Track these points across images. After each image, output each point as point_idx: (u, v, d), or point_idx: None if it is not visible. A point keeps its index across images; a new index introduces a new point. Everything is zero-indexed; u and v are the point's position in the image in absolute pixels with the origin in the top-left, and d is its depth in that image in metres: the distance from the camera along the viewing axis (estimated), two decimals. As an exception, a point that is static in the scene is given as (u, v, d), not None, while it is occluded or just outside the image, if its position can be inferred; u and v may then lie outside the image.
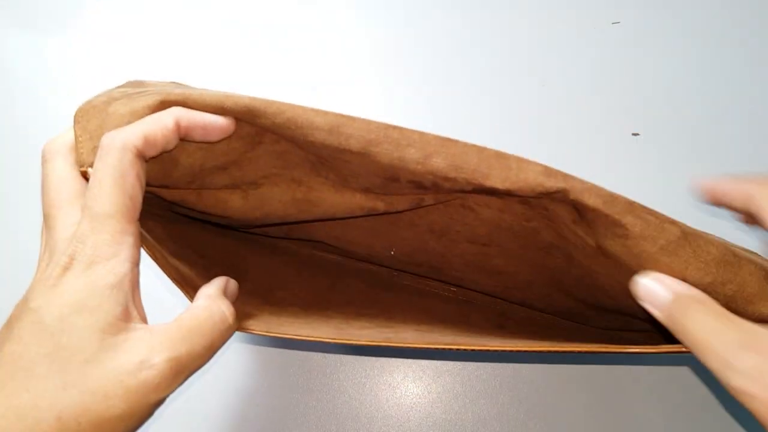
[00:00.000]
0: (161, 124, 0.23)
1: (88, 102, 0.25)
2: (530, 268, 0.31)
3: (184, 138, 0.24)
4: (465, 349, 0.27)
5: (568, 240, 0.27)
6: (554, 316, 0.36)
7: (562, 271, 0.30)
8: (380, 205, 0.28)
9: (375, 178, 0.26)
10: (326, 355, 0.42)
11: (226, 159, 0.27)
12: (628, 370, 0.41)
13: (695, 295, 0.22)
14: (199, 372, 0.23)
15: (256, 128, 0.26)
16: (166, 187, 0.27)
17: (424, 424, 0.40)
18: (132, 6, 0.52)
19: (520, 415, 0.40)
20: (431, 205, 0.29)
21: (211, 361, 0.24)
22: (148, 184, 0.24)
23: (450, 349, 0.27)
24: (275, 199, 0.29)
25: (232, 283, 0.29)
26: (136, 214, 0.23)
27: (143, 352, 0.21)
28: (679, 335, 0.22)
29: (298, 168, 0.28)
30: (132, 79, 0.28)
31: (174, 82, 0.29)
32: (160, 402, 0.22)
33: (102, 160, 0.22)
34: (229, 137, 0.25)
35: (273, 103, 0.24)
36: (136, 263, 0.23)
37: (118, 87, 0.27)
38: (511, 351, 0.26)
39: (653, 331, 0.31)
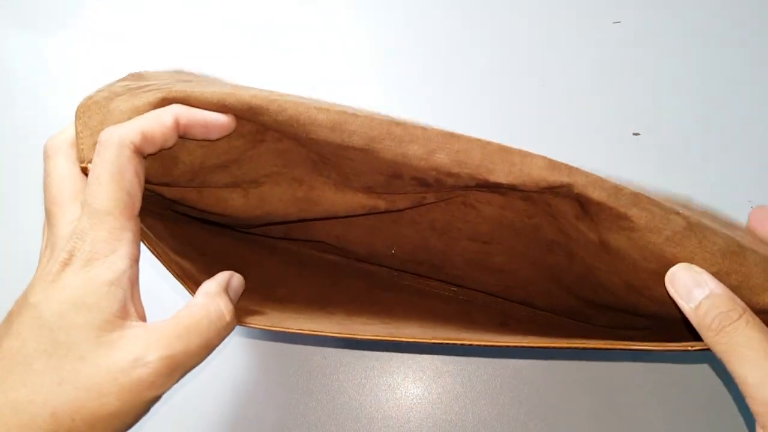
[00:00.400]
0: (159, 121, 0.23)
1: (90, 97, 0.25)
2: (531, 265, 0.31)
3: (183, 135, 0.24)
4: (470, 344, 0.27)
5: (570, 236, 0.27)
6: (556, 315, 0.36)
7: (564, 269, 0.30)
8: (381, 204, 0.28)
9: (378, 175, 0.26)
10: (326, 355, 0.42)
11: (227, 157, 0.26)
12: (629, 371, 0.40)
13: (740, 303, 0.22)
14: (197, 369, 0.23)
15: (257, 126, 0.25)
16: (167, 185, 0.27)
17: (425, 425, 0.40)
18: (132, 6, 0.52)
19: (520, 416, 0.40)
20: (433, 202, 0.29)
21: (210, 357, 0.24)
22: (148, 182, 0.24)
23: (455, 343, 0.27)
24: (276, 198, 0.29)
25: (236, 278, 0.28)
26: (135, 211, 0.23)
27: (138, 350, 0.21)
28: (709, 337, 0.22)
29: (299, 167, 0.28)
30: (133, 71, 0.28)
31: (176, 71, 0.29)
32: (155, 399, 0.22)
33: (99, 156, 0.22)
34: (230, 135, 0.25)
35: (275, 100, 0.24)
36: (135, 260, 0.23)
37: (119, 80, 0.27)
38: (517, 346, 0.26)
39: (655, 329, 0.31)
